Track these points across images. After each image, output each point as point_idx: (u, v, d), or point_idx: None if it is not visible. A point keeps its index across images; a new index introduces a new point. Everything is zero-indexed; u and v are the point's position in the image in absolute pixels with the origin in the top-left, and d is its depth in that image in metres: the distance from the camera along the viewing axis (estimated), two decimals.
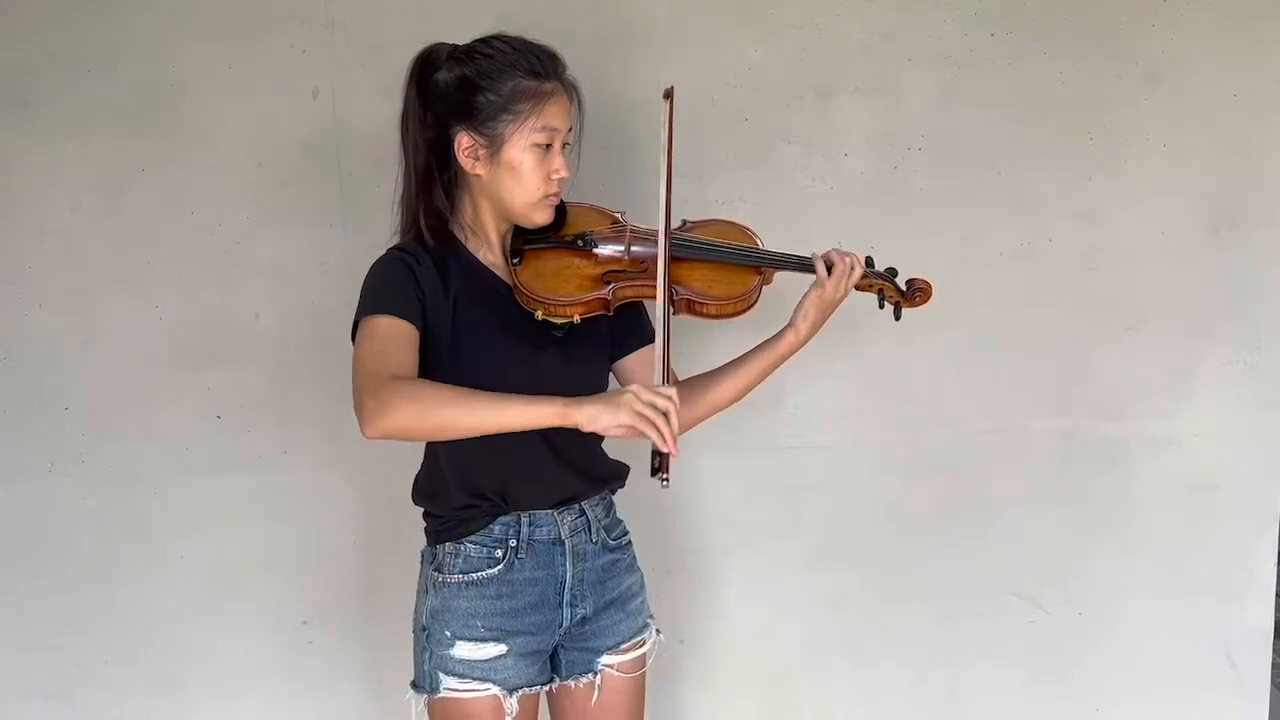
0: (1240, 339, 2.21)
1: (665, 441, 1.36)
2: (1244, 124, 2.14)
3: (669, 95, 1.48)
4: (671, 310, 1.56)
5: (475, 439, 1.42)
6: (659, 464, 1.40)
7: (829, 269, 1.59)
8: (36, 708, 2.25)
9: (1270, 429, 2.23)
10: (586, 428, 1.38)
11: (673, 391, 1.38)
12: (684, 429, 1.66)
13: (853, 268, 1.60)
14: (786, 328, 1.63)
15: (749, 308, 1.61)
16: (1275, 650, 2.35)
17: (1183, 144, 2.14)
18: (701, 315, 1.59)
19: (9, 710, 2.24)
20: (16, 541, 2.20)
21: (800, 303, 1.62)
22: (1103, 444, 2.23)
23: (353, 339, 1.51)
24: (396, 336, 1.45)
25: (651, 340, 1.68)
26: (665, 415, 1.36)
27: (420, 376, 1.51)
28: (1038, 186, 2.15)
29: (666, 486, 1.40)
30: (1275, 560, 2.27)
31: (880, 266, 1.70)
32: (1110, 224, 2.17)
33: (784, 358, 1.64)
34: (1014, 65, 2.12)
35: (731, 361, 1.67)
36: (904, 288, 1.68)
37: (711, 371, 1.69)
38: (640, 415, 1.36)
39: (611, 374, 1.71)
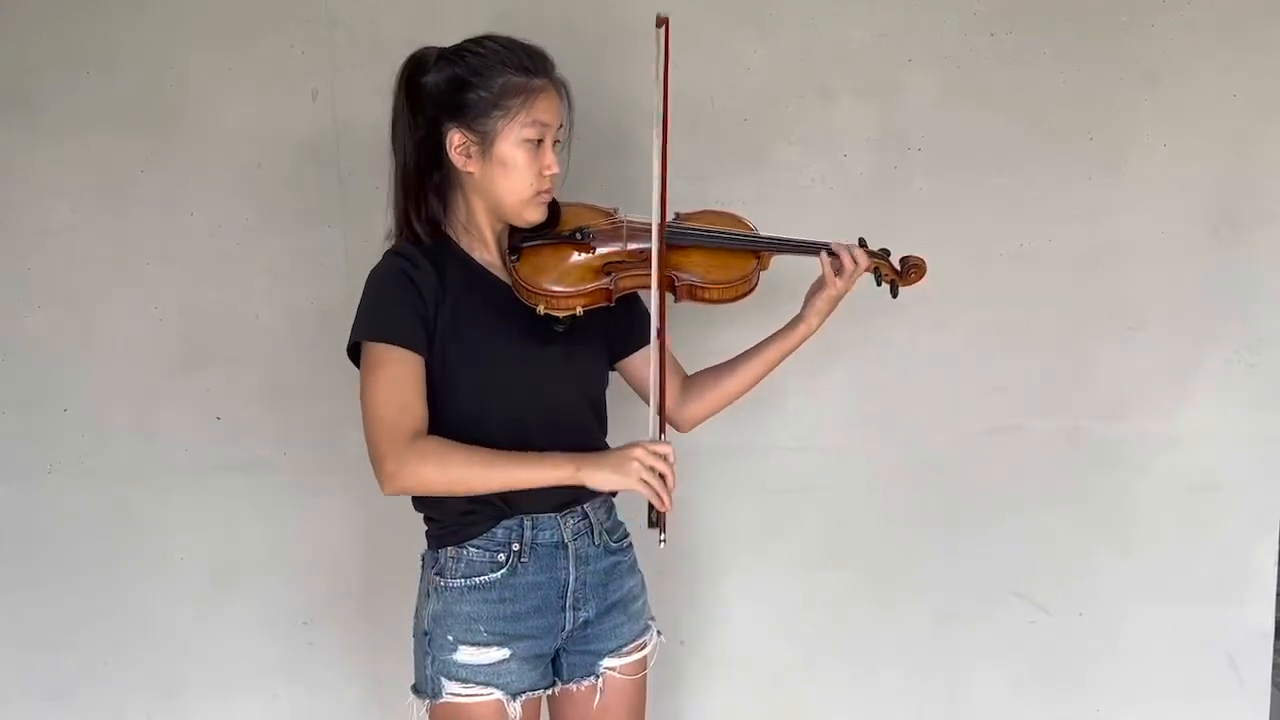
0: (1241, 338, 2.20)
1: (663, 502, 1.46)
2: (1244, 124, 2.14)
3: (662, 24, 1.43)
4: (673, 298, 1.58)
5: (477, 441, 1.48)
6: (656, 519, 1.48)
7: (837, 271, 1.61)
8: (36, 708, 2.25)
9: (1271, 429, 2.22)
10: (595, 487, 1.48)
11: (669, 449, 1.47)
12: (700, 420, 1.75)
13: (856, 263, 1.62)
14: (799, 321, 1.66)
15: (750, 291, 1.63)
16: (1276, 651, 2.34)
17: (1183, 144, 2.14)
18: (703, 301, 1.61)
19: (9, 710, 2.24)
20: (16, 541, 2.20)
21: (811, 301, 1.65)
22: (1103, 444, 2.23)
23: (350, 353, 1.53)
24: (406, 376, 1.48)
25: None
26: (664, 477, 1.46)
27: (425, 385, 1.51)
28: (1038, 186, 2.15)
29: (663, 544, 1.49)
30: (1276, 561, 2.27)
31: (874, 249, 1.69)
32: (1110, 224, 2.17)
33: (796, 347, 1.68)
34: (1014, 65, 2.12)
35: (745, 352, 1.70)
36: (898, 266, 1.68)
37: (725, 363, 1.72)
38: (644, 481, 1.45)
39: (617, 373, 1.72)
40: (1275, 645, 2.33)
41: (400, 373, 1.47)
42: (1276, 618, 2.33)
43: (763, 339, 1.69)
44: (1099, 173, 2.15)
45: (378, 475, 1.47)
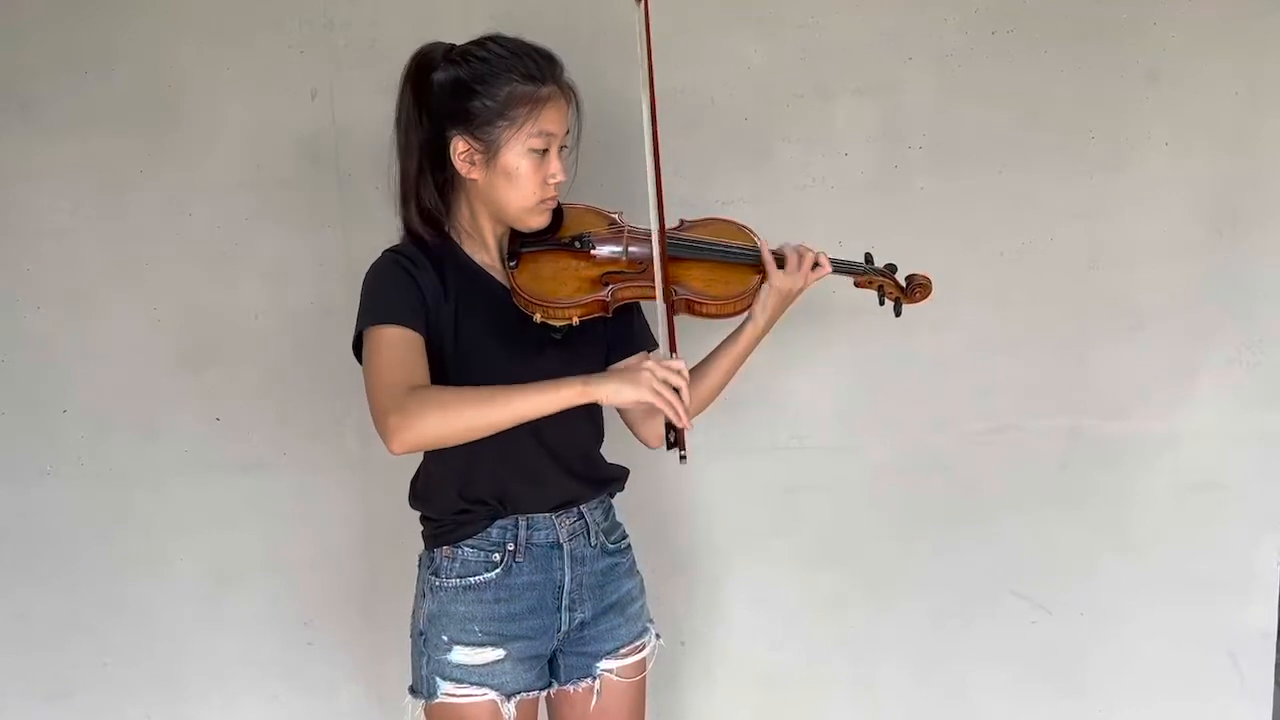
0: (1242, 338, 2.20)
1: (680, 416, 1.38)
2: (1246, 122, 2.13)
3: (641, 1, 1.41)
4: (673, 300, 1.55)
5: (472, 442, 1.43)
6: (674, 439, 1.42)
7: (780, 263, 1.59)
8: (36, 708, 2.25)
9: (1272, 428, 2.22)
10: (607, 402, 1.41)
11: (682, 365, 1.41)
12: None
13: (812, 264, 1.59)
14: (745, 320, 1.62)
15: (749, 307, 1.60)
16: (1278, 650, 2.34)
17: (1184, 142, 2.13)
18: (700, 315, 1.59)
19: (9, 710, 2.24)
20: (16, 542, 2.20)
21: (758, 298, 1.60)
22: (1103, 444, 2.22)
23: (354, 348, 1.51)
24: (406, 346, 1.45)
25: (651, 347, 1.68)
26: (677, 391, 1.39)
27: None
28: (1039, 185, 2.15)
29: (684, 461, 1.41)
30: (1278, 560, 2.26)
31: (880, 264, 1.69)
32: (1111, 223, 2.16)
33: (748, 351, 1.64)
34: (1015, 63, 2.11)
35: (700, 363, 1.65)
36: (903, 284, 1.67)
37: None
38: (657, 392, 1.37)
39: None
40: (1278, 644, 2.32)
41: (399, 344, 1.44)
42: (1278, 617, 2.33)
43: (715, 347, 1.65)
44: (1100, 171, 2.15)
45: (382, 434, 1.39)
